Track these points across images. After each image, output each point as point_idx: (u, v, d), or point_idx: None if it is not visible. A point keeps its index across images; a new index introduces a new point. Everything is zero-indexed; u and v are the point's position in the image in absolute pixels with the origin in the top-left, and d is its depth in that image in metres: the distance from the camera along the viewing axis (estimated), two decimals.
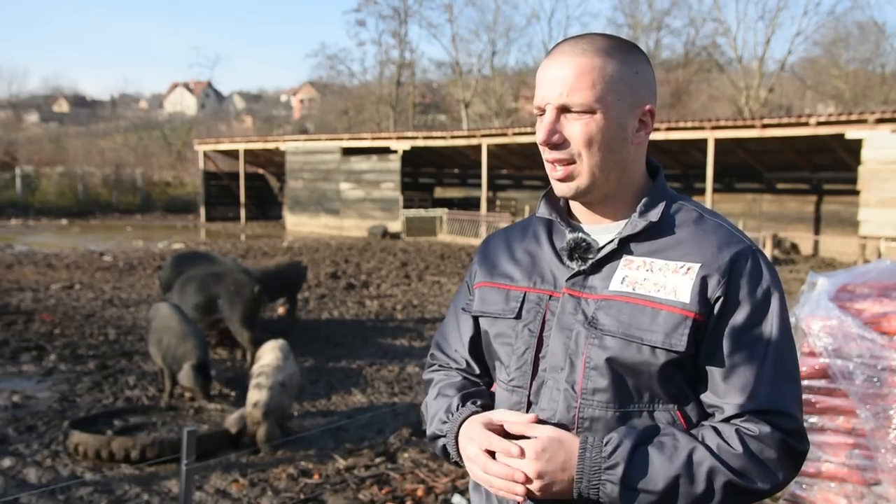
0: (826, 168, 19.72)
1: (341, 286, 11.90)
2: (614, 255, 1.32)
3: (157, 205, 32.90)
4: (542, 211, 1.43)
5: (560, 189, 1.33)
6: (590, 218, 1.38)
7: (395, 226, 23.13)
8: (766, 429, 1.22)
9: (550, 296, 1.35)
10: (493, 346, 1.41)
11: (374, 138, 24.10)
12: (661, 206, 1.33)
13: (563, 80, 1.27)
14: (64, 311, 9.43)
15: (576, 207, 1.40)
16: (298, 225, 25.82)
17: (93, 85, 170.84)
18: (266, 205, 30.38)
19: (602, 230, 1.36)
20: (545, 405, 1.30)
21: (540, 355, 1.33)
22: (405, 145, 23.04)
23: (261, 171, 30.90)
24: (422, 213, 23.24)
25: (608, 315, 1.27)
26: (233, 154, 28.62)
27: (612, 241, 1.32)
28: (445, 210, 22.86)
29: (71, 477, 4.35)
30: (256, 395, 4.81)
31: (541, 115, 1.31)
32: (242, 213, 28.23)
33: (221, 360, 7.22)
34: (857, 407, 2.94)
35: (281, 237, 22.26)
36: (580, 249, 1.33)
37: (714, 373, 1.26)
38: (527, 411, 1.32)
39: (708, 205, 17.61)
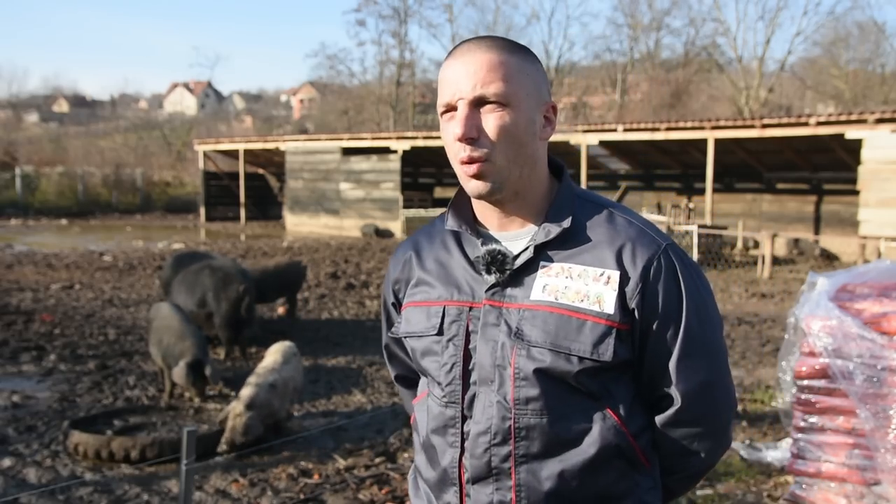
0: (826, 168, 19.71)
1: (341, 286, 11.90)
2: (530, 263, 1.31)
3: (157, 205, 32.88)
4: (451, 223, 1.41)
5: (474, 187, 1.30)
6: (498, 223, 1.37)
7: (387, 225, 23.13)
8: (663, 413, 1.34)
9: (470, 307, 1.34)
10: (422, 363, 1.41)
11: (374, 138, 24.09)
12: (571, 209, 1.33)
13: (475, 73, 1.26)
14: (64, 311, 9.43)
15: (483, 214, 1.39)
16: (298, 225, 25.82)
17: (93, 85, 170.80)
18: (266, 205, 30.37)
19: (512, 237, 1.36)
20: (479, 418, 1.31)
21: (469, 368, 1.33)
22: (405, 145, 23.04)
23: (261, 171, 30.89)
24: (422, 213, 23.23)
25: (533, 326, 1.28)
26: (233, 154, 28.61)
27: (526, 248, 1.32)
28: (445, 210, 22.80)
29: (71, 477, 4.35)
30: (243, 391, 4.86)
31: (449, 112, 1.30)
32: (242, 213, 28.22)
33: (221, 360, 7.22)
34: (857, 407, 2.95)
35: (281, 237, 22.26)
36: (497, 262, 1.32)
37: (645, 373, 1.33)
38: (462, 425, 1.33)
39: (708, 205, 17.62)
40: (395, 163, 23.40)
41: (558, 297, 1.27)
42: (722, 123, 17.66)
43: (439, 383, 1.37)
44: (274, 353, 5.31)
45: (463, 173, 1.30)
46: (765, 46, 41.12)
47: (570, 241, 1.31)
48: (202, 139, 31.08)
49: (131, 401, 5.84)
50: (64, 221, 26.59)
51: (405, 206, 23.49)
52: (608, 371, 1.29)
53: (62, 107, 73.51)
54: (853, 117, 15.55)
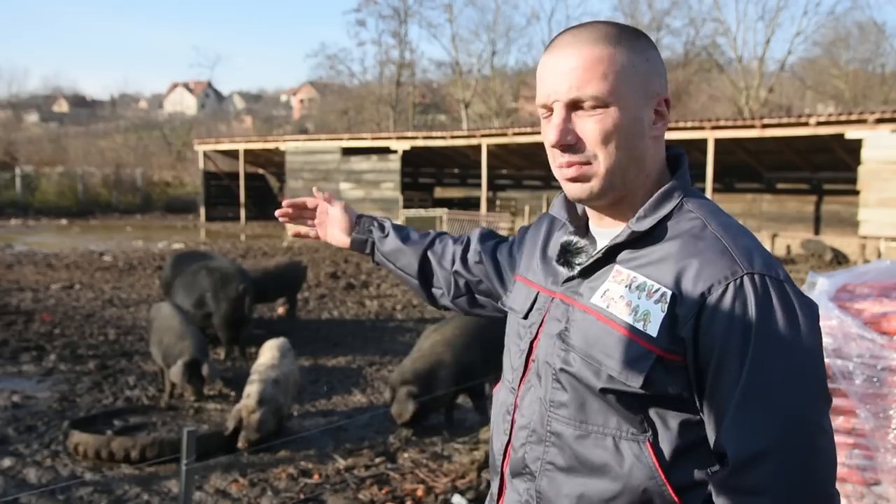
0: (826, 168, 19.73)
1: (341, 286, 11.89)
2: (604, 263, 1.21)
3: (157, 205, 32.86)
4: (555, 209, 1.34)
5: (572, 191, 1.20)
6: (598, 220, 1.27)
7: None
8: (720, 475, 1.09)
9: (553, 297, 1.27)
10: (508, 343, 1.38)
11: (374, 138, 24.10)
12: (660, 213, 1.18)
13: (571, 72, 1.14)
14: (64, 311, 9.43)
15: (587, 208, 1.31)
16: None
17: (93, 85, 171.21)
18: (266, 205, 30.34)
19: (606, 234, 1.24)
20: (525, 412, 1.27)
21: (531, 359, 1.28)
22: (405, 145, 23.05)
23: (261, 171, 30.89)
24: (422, 213, 23.24)
25: (579, 329, 1.19)
26: (233, 154, 28.61)
27: (602, 248, 1.22)
28: (445, 210, 22.84)
29: (71, 477, 4.35)
30: (249, 388, 4.86)
31: (547, 114, 1.19)
32: (242, 213, 28.22)
33: (221, 360, 7.22)
34: (857, 407, 2.95)
35: (281, 237, 22.25)
36: (569, 253, 1.26)
37: (705, 418, 1.12)
38: (514, 414, 1.29)
39: None
40: (395, 163, 23.41)
41: (610, 305, 1.16)
42: (722, 123, 17.67)
43: (512, 367, 1.33)
44: (269, 350, 5.32)
45: (561, 176, 1.20)
46: (765, 46, 41.11)
47: (648, 247, 1.17)
48: (202, 139, 31.07)
49: (131, 401, 5.84)
50: (64, 221, 26.59)
51: (405, 206, 23.50)
52: (653, 401, 1.13)
53: (62, 107, 73.52)
54: (853, 117, 15.55)
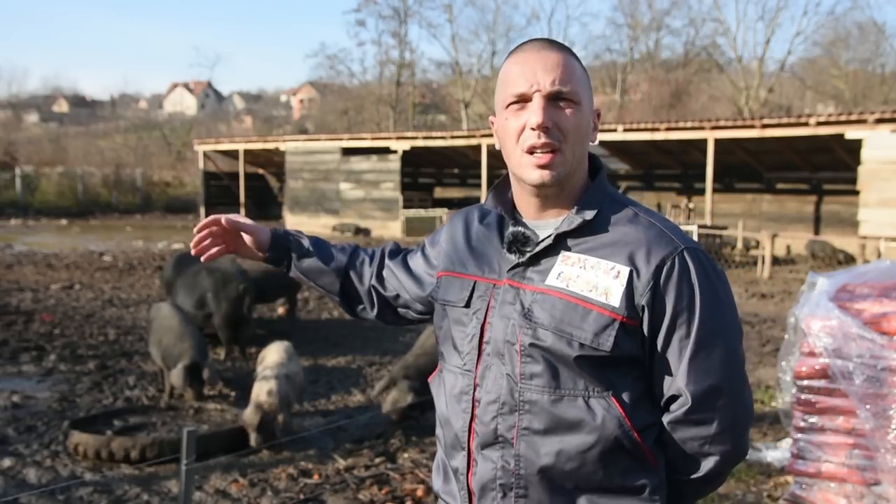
0: (826, 168, 19.73)
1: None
2: (551, 251, 1.38)
3: (156, 205, 32.87)
4: (489, 203, 1.50)
5: (539, 176, 1.36)
6: (535, 212, 1.43)
7: (387, 225, 23.14)
8: (669, 416, 1.37)
9: (495, 284, 1.42)
10: (452, 332, 1.48)
11: (373, 138, 24.11)
12: (598, 205, 1.39)
13: (554, 69, 1.34)
14: (64, 311, 9.43)
15: (521, 202, 1.46)
16: (298, 225, 25.81)
17: (93, 85, 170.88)
18: (266, 205, 30.36)
19: (543, 226, 1.42)
20: (490, 388, 1.39)
21: (484, 341, 1.41)
22: (405, 145, 23.05)
23: (261, 171, 30.90)
24: (422, 213, 23.25)
25: (542, 309, 1.34)
26: (233, 154, 28.62)
27: (549, 235, 1.38)
28: (445, 210, 22.86)
29: (71, 477, 4.35)
30: (266, 385, 4.82)
31: (518, 103, 1.36)
32: (242, 213, 28.08)
33: (221, 360, 7.21)
34: (857, 407, 2.94)
35: None
36: (519, 242, 1.40)
37: (655, 372, 1.36)
38: (473, 393, 1.41)
39: (707, 205, 17.62)
40: (394, 163, 23.41)
41: (569, 284, 1.34)
42: (722, 123, 17.67)
43: (460, 352, 1.45)
44: (276, 351, 5.32)
45: (529, 162, 1.36)
46: (765, 46, 41.16)
47: (592, 234, 1.37)
48: (202, 139, 31.08)
49: (131, 401, 5.83)
50: (64, 221, 26.59)
51: (405, 206, 23.51)
52: (614, 363, 1.33)
53: (62, 107, 73.51)
54: (853, 117, 15.56)
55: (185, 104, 75.42)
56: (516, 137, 1.37)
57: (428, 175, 28.98)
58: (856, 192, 16.15)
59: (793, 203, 20.74)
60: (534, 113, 1.33)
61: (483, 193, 22.10)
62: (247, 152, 27.69)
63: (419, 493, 4.15)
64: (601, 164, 1.47)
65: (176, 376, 5.44)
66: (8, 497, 4.02)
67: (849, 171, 17.67)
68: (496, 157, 23.44)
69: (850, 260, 15.48)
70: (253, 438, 4.65)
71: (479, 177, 23.53)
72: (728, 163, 19.70)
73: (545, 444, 1.34)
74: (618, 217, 1.38)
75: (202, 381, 5.54)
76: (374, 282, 1.72)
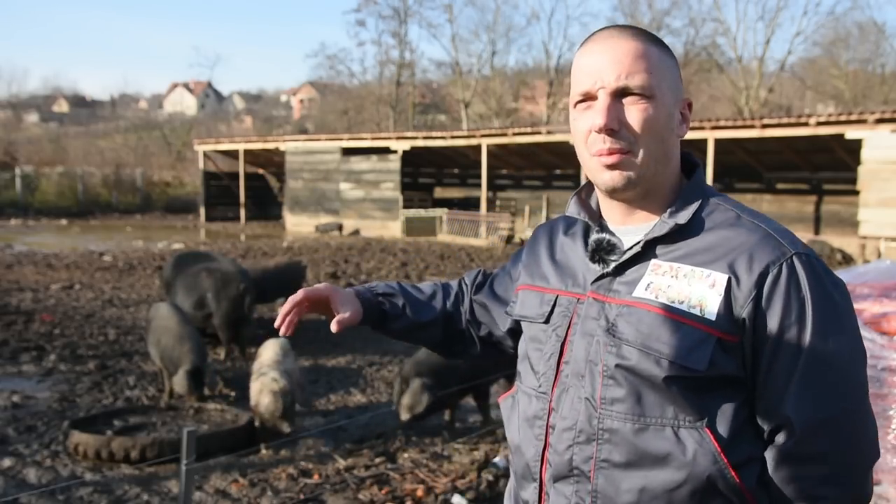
0: (826, 168, 19.72)
1: (341, 286, 11.86)
2: (640, 259, 1.23)
3: (156, 205, 32.87)
4: (572, 210, 1.36)
5: (609, 179, 1.22)
6: (621, 219, 1.29)
7: (387, 225, 23.14)
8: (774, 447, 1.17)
9: (578, 299, 1.28)
10: (528, 350, 1.36)
11: (373, 138, 24.10)
12: (693, 207, 1.23)
13: (620, 62, 1.19)
14: (64, 311, 9.43)
15: (607, 207, 1.32)
16: (298, 225, 25.82)
17: (93, 85, 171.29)
18: (266, 205, 30.36)
19: (632, 231, 1.27)
20: (566, 413, 1.25)
21: (563, 361, 1.27)
22: (405, 145, 23.05)
23: (261, 171, 30.89)
24: (422, 213, 23.24)
25: (628, 323, 1.19)
26: (233, 154, 28.62)
27: (638, 242, 1.23)
28: (445, 210, 22.85)
29: (71, 477, 4.35)
30: (267, 376, 4.82)
31: (585, 102, 1.23)
32: (242, 213, 28.22)
33: (221, 360, 7.21)
34: None
35: (281, 237, 22.26)
36: (603, 251, 1.27)
37: (759, 397, 1.17)
38: (547, 419, 1.27)
39: None
40: (394, 163, 23.40)
41: (658, 296, 1.18)
42: (722, 123, 17.67)
43: (536, 373, 1.32)
44: (271, 348, 5.33)
45: (598, 165, 1.22)
46: (765, 46, 41.10)
47: (686, 240, 1.21)
48: (202, 139, 31.08)
49: (131, 401, 5.83)
50: (64, 221, 26.59)
51: (405, 206, 23.50)
52: (709, 387, 1.16)
53: (62, 107, 73.52)
54: (853, 117, 15.55)
55: (185, 104, 75.43)
56: (584, 139, 1.23)
57: (428, 175, 28.97)
58: (856, 192, 16.15)
59: (793, 203, 20.73)
60: (596, 113, 1.20)
61: (483, 193, 22.12)
62: (247, 152, 27.69)
63: (419, 493, 4.15)
64: (697, 161, 1.33)
65: (179, 383, 5.45)
66: (8, 497, 4.02)
67: (849, 171, 17.66)
68: (496, 157, 23.47)
69: (849, 260, 15.47)
70: (284, 426, 4.67)
71: (479, 177, 23.52)
72: (728, 163, 19.70)
73: (626, 479, 1.18)
74: (716, 220, 1.22)
75: (203, 385, 5.58)
76: (468, 320, 1.61)
